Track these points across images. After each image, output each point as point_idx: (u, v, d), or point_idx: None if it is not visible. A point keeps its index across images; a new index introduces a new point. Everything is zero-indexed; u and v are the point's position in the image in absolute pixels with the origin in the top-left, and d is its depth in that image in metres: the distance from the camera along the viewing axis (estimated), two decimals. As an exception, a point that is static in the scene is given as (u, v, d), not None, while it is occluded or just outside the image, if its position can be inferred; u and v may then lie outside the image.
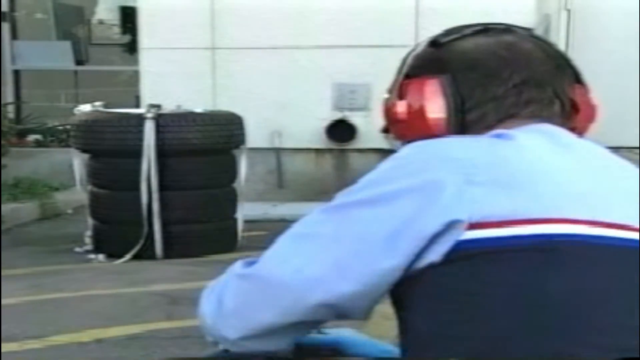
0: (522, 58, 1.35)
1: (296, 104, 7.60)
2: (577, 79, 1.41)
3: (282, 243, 1.27)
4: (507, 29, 1.40)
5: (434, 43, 1.38)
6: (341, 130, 7.56)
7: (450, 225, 1.16)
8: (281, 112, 7.61)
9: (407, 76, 1.39)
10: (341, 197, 1.26)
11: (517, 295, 1.14)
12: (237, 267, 1.32)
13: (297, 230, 1.26)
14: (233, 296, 1.29)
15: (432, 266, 1.17)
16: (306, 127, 7.60)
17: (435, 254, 1.17)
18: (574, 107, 1.37)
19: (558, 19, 7.50)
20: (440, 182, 1.18)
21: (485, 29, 1.39)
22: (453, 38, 1.38)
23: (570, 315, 1.13)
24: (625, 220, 1.20)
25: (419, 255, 1.17)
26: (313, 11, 7.52)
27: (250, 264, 1.30)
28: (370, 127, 7.47)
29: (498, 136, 1.28)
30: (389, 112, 1.41)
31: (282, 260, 1.24)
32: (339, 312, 1.24)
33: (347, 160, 7.67)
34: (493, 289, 1.15)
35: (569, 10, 7.56)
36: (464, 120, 1.33)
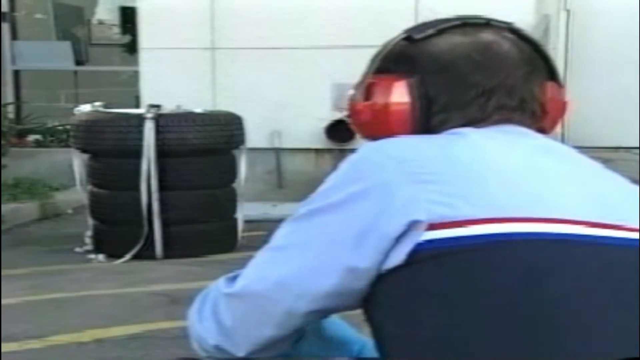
0: (496, 63, 1.33)
1: (296, 104, 7.61)
2: (551, 75, 1.40)
3: (260, 258, 1.30)
4: (487, 23, 1.38)
5: (409, 38, 1.37)
6: (341, 131, 7.56)
7: (410, 226, 1.16)
8: (281, 112, 7.62)
9: (378, 70, 1.38)
10: (305, 206, 1.29)
11: (478, 294, 1.13)
12: (222, 284, 1.35)
13: (272, 244, 1.30)
14: (230, 316, 1.31)
15: (395, 268, 1.17)
16: (306, 127, 7.61)
17: (397, 255, 1.17)
18: (543, 109, 1.36)
19: (557, 20, 7.51)
20: (396, 182, 1.19)
21: (464, 24, 1.37)
22: (428, 34, 1.36)
23: (525, 312, 1.12)
24: (586, 217, 1.19)
25: (385, 256, 1.18)
26: (312, 11, 7.52)
27: (233, 279, 1.33)
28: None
29: (452, 134, 1.28)
30: (352, 111, 1.41)
31: (262, 275, 1.28)
32: (329, 313, 1.28)
33: (346, 160, 7.68)
34: (454, 288, 1.14)
35: (568, 11, 7.57)
36: (429, 124, 1.33)
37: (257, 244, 5.66)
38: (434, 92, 1.33)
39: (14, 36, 9.96)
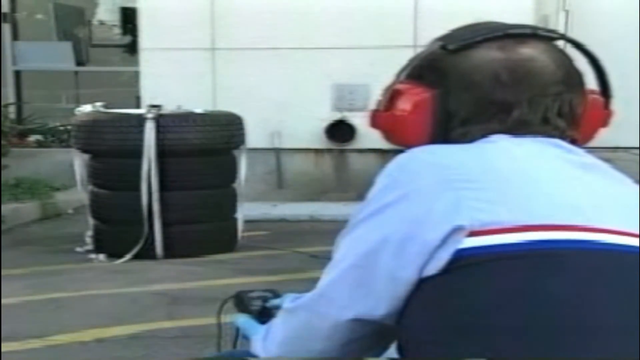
0: (524, 81, 1.31)
1: (296, 105, 7.62)
2: (602, 86, 1.41)
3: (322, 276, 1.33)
4: (533, 34, 1.35)
5: (444, 47, 1.35)
6: (341, 131, 7.58)
7: (452, 232, 1.15)
8: (281, 113, 7.63)
9: (410, 75, 1.38)
10: (351, 220, 1.29)
11: (520, 301, 1.13)
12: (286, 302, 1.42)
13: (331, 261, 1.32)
14: (282, 331, 1.39)
15: (435, 275, 1.16)
16: (306, 128, 7.62)
17: (437, 262, 1.16)
18: (574, 121, 1.35)
19: (556, 20, 7.52)
20: (435, 189, 1.19)
21: (505, 36, 1.33)
22: (463, 45, 1.33)
23: (573, 320, 1.12)
24: (621, 227, 1.19)
25: (425, 263, 1.17)
26: (313, 12, 7.54)
27: (296, 299, 1.39)
28: (369, 127, 7.49)
29: (483, 142, 1.29)
30: (372, 117, 1.42)
31: (317, 292, 1.31)
32: (372, 323, 1.26)
33: (346, 160, 7.69)
34: (495, 296, 1.14)
35: (567, 11, 7.58)
36: (448, 136, 1.33)
37: (257, 243, 5.68)
38: (455, 107, 1.33)
39: (15, 37, 9.99)
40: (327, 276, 1.29)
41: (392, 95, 1.38)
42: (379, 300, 1.22)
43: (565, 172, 1.26)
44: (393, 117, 1.37)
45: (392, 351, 1.32)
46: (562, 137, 1.33)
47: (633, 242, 1.19)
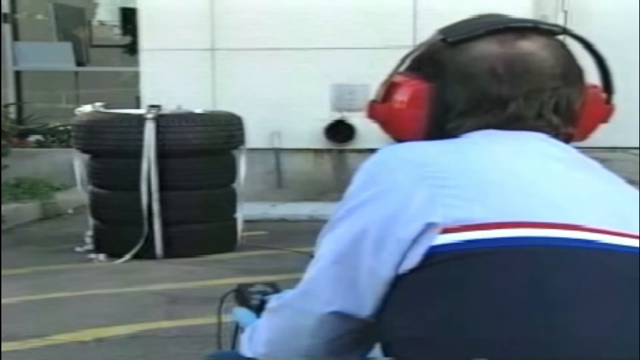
0: (521, 75, 1.31)
1: (295, 105, 7.63)
2: (604, 81, 1.42)
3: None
4: (534, 28, 1.35)
5: (444, 39, 1.35)
6: (340, 131, 7.59)
7: (425, 229, 1.16)
8: (280, 113, 7.64)
9: (410, 68, 1.39)
10: (330, 219, 1.30)
11: (489, 296, 1.14)
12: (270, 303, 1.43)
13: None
14: (266, 330, 1.39)
15: (409, 271, 1.17)
16: (305, 128, 7.63)
17: (412, 258, 1.17)
18: (571, 117, 1.35)
19: (555, 21, 7.52)
20: (411, 186, 1.20)
21: (505, 29, 1.33)
22: (463, 38, 1.33)
23: (549, 316, 1.12)
24: (603, 225, 1.19)
25: (402, 259, 1.18)
26: (312, 13, 7.55)
27: (280, 298, 1.40)
28: (369, 127, 7.49)
29: (463, 139, 1.30)
30: (369, 108, 1.42)
31: (300, 289, 1.33)
32: (356, 321, 1.27)
33: (345, 160, 7.70)
34: (466, 290, 1.15)
35: (566, 12, 7.59)
36: (443, 128, 1.34)
37: (256, 243, 5.68)
38: (452, 99, 1.33)
39: (16, 37, 9.99)
40: (309, 274, 1.30)
41: (389, 87, 1.39)
42: (363, 299, 1.23)
43: (547, 169, 1.26)
44: (390, 109, 1.38)
45: (376, 351, 1.33)
46: (556, 133, 1.33)
47: (616, 240, 1.18)
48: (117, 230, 5.69)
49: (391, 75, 1.40)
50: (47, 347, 3.87)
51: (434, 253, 1.15)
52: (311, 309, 1.28)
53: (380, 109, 1.40)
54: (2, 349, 3.70)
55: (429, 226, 1.16)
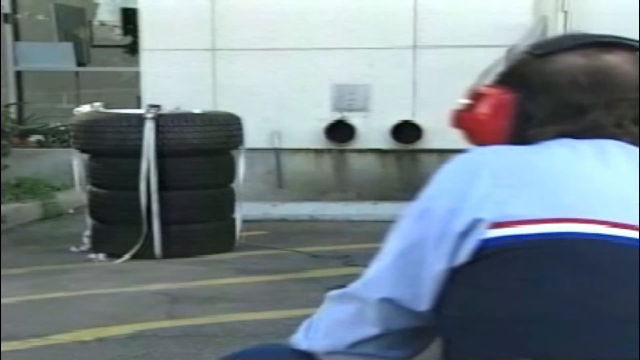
0: (603, 84, 1.35)
1: (296, 105, 7.64)
2: None
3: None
4: (618, 44, 1.39)
5: (531, 52, 1.41)
6: (340, 131, 7.59)
7: (473, 224, 1.23)
8: (281, 113, 7.64)
9: (497, 82, 1.44)
10: (411, 203, 1.35)
11: (535, 290, 1.19)
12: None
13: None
14: (326, 315, 1.44)
15: (464, 265, 1.24)
16: (305, 128, 7.64)
17: (464, 252, 1.24)
18: None
19: (555, 21, 7.52)
20: (473, 186, 1.26)
21: (592, 44, 1.38)
22: (549, 51, 1.39)
23: (584, 311, 1.18)
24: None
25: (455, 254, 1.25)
26: (312, 13, 7.55)
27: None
28: (369, 127, 7.51)
29: (542, 145, 1.34)
30: (456, 119, 1.47)
31: (364, 280, 1.38)
32: (414, 315, 1.32)
33: (346, 160, 7.71)
34: (515, 284, 1.20)
35: (566, 12, 7.59)
36: (524, 136, 1.38)
37: (256, 243, 5.69)
38: (534, 108, 1.38)
39: (16, 37, 10.00)
40: (374, 265, 1.36)
41: (474, 97, 1.44)
42: (422, 293, 1.29)
43: (609, 170, 1.29)
44: (474, 118, 1.43)
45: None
46: (634, 143, 1.36)
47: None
48: (116, 230, 5.69)
49: (476, 86, 1.46)
50: (47, 347, 3.88)
51: (485, 247, 1.22)
52: (371, 295, 1.34)
53: (465, 118, 1.45)
54: (2, 349, 3.70)
55: (477, 222, 1.23)
